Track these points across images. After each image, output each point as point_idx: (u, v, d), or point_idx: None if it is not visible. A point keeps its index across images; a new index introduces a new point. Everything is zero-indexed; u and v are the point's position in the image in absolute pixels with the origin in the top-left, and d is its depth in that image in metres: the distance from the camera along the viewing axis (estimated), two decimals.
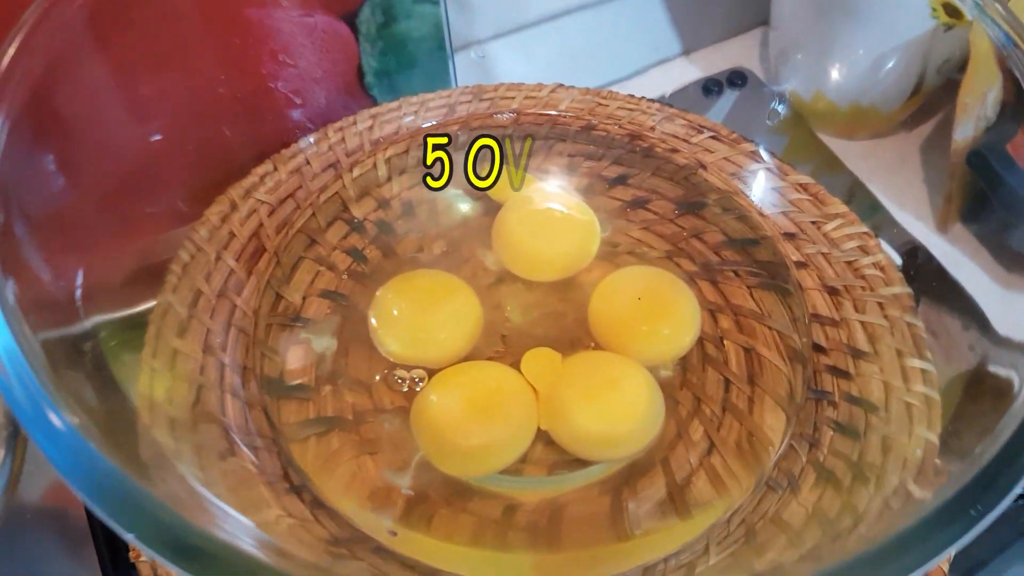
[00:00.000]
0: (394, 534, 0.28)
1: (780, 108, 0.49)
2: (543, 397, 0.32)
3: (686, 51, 0.54)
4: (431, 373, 0.33)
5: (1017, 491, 0.18)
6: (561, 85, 0.44)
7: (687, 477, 0.31)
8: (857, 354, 0.34)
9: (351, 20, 0.41)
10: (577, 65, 0.49)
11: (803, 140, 0.50)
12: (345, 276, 0.36)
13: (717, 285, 0.37)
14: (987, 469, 0.18)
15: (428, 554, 0.27)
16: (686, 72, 0.53)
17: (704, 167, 0.39)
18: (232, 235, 0.37)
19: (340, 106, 0.43)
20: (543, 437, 0.31)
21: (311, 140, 0.41)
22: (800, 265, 0.37)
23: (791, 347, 0.34)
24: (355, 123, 0.41)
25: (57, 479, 0.18)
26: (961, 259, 0.43)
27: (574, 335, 0.35)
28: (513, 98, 0.43)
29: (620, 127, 0.41)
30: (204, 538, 0.17)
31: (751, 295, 0.36)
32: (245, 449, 0.30)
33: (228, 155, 0.40)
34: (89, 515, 0.34)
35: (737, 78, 0.52)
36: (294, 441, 0.31)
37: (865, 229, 0.38)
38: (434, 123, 0.41)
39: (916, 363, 0.33)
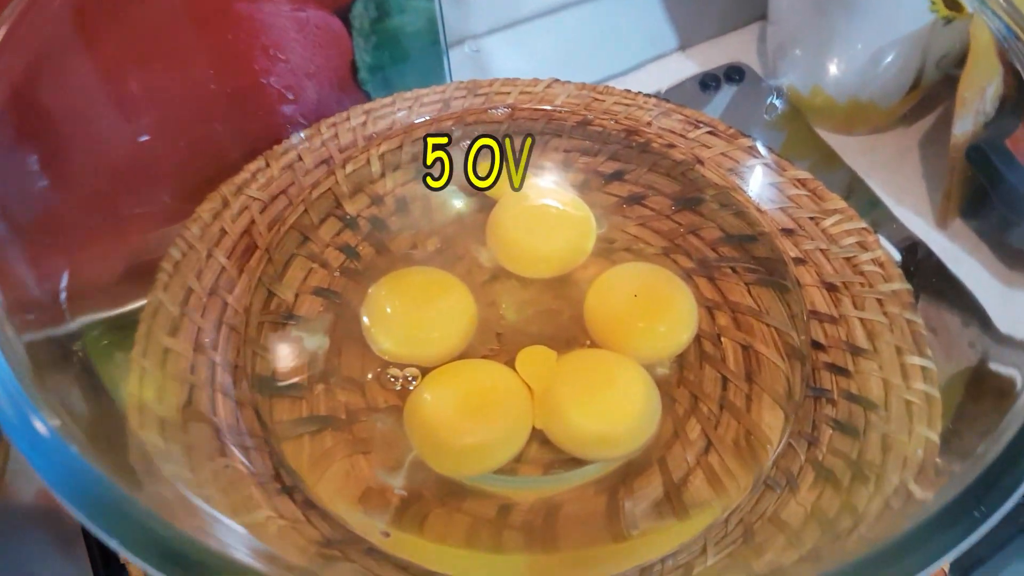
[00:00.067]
0: (387, 535, 0.28)
1: (778, 103, 0.49)
2: (538, 396, 0.31)
3: (683, 46, 0.54)
4: (424, 372, 0.32)
5: (1021, 492, 0.17)
6: (557, 80, 0.43)
7: (684, 476, 0.30)
8: (856, 351, 0.33)
9: (344, 15, 0.41)
10: (573, 60, 0.49)
11: (801, 135, 0.49)
12: (338, 273, 0.36)
13: (714, 282, 0.36)
14: (990, 470, 0.18)
15: (421, 555, 0.27)
16: (683, 67, 0.52)
17: (701, 163, 0.39)
18: (223, 232, 0.36)
19: (333, 101, 0.42)
20: (538, 436, 0.31)
21: (304, 136, 0.40)
22: (798, 261, 0.36)
23: (789, 344, 0.34)
24: (348, 119, 0.41)
25: None
26: (961, 255, 0.42)
27: (570, 333, 0.34)
28: (508, 93, 0.43)
29: (616, 122, 0.41)
30: (190, 544, 0.17)
31: (749, 292, 0.36)
32: (236, 449, 0.29)
33: (220, 152, 0.39)
34: None
35: (735, 73, 0.51)
36: (286, 440, 0.30)
37: (864, 225, 0.37)
38: (428, 119, 0.41)
39: (916, 360, 0.32)
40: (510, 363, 0.33)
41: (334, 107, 0.42)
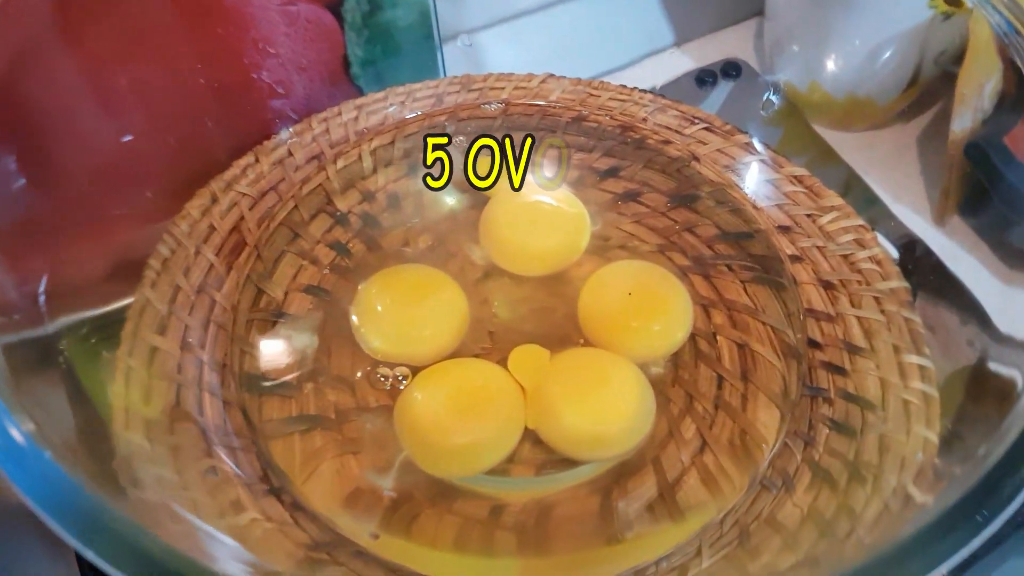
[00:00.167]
0: (376, 537, 0.27)
1: (775, 99, 0.48)
2: (531, 395, 0.31)
3: (679, 41, 0.53)
4: (415, 371, 0.32)
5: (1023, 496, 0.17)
6: (552, 75, 0.43)
7: (679, 477, 0.30)
8: (853, 350, 0.33)
9: (336, 9, 0.40)
10: (568, 55, 0.48)
11: (798, 132, 0.49)
12: (328, 271, 0.35)
13: (710, 280, 0.36)
14: (992, 473, 0.18)
15: (411, 558, 0.27)
16: (679, 63, 0.52)
17: (697, 159, 0.39)
18: (212, 229, 0.36)
19: (324, 96, 0.42)
20: (531, 436, 0.31)
21: (294, 131, 0.40)
22: (795, 259, 0.36)
23: (785, 343, 0.33)
24: (340, 114, 0.41)
25: None
26: (959, 253, 0.42)
27: (563, 331, 0.34)
28: (502, 88, 0.42)
29: (612, 118, 0.40)
30: (169, 556, 0.16)
31: (745, 290, 0.35)
32: (223, 450, 0.29)
33: (209, 148, 0.39)
34: None
35: (731, 69, 0.51)
36: (274, 440, 0.30)
37: (861, 222, 0.37)
38: (421, 114, 0.40)
39: (914, 359, 0.32)
40: (502, 362, 0.32)
41: (325, 102, 0.41)
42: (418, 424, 0.30)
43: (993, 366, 0.27)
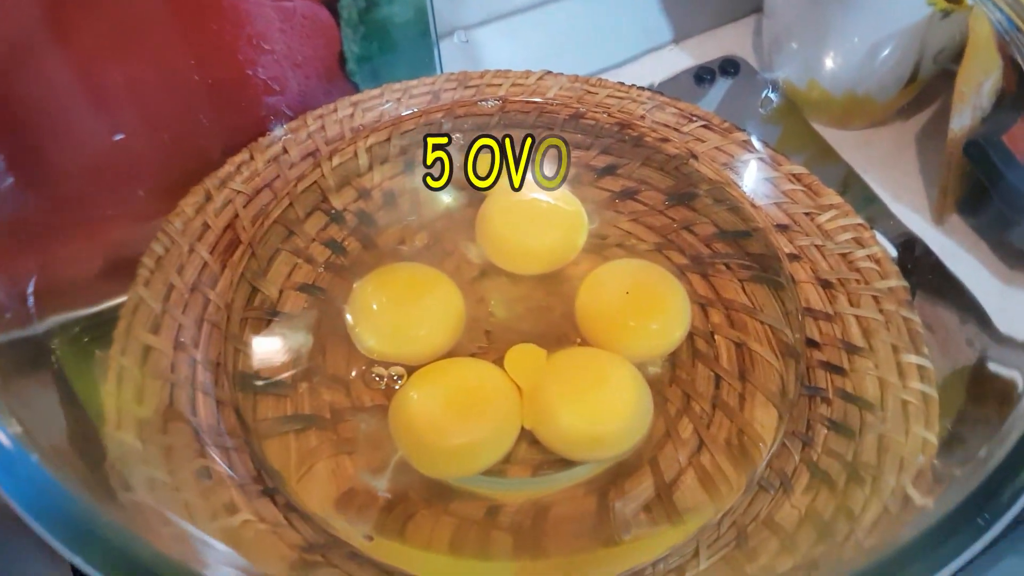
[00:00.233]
0: (370, 539, 0.27)
1: (773, 97, 0.48)
2: (527, 395, 0.31)
3: (678, 38, 0.53)
4: (410, 370, 0.32)
5: None
6: (549, 72, 0.43)
7: (676, 477, 0.30)
8: (852, 349, 0.33)
9: (332, 4, 0.40)
10: (566, 52, 0.48)
11: (797, 130, 0.49)
12: (323, 269, 0.35)
13: (708, 278, 0.36)
14: (993, 475, 0.17)
15: (406, 560, 0.26)
16: (678, 60, 0.52)
17: (695, 157, 0.38)
18: (206, 226, 0.35)
19: (320, 93, 0.42)
20: (527, 437, 0.30)
21: (289, 128, 0.39)
22: (793, 258, 0.36)
23: (783, 342, 0.33)
24: (335, 110, 0.40)
25: None
26: (958, 251, 0.42)
27: (560, 331, 0.34)
28: (499, 85, 0.42)
29: (609, 115, 0.40)
30: (159, 562, 0.16)
31: (743, 289, 0.35)
32: (216, 451, 0.28)
33: (203, 145, 0.39)
34: None
35: (730, 66, 0.51)
36: (268, 439, 0.30)
37: (860, 221, 0.37)
38: (417, 111, 0.40)
39: (912, 359, 0.32)
40: (499, 362, 0.32)
41: (321, 99, 0.41)
42: (413, 424, 0.29)
43: (993, 367, 0.27)
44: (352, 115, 0.40)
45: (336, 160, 0.38)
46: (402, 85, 0.42)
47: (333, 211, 0.37)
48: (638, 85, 0.43)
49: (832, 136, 0.48)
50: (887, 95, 0.47)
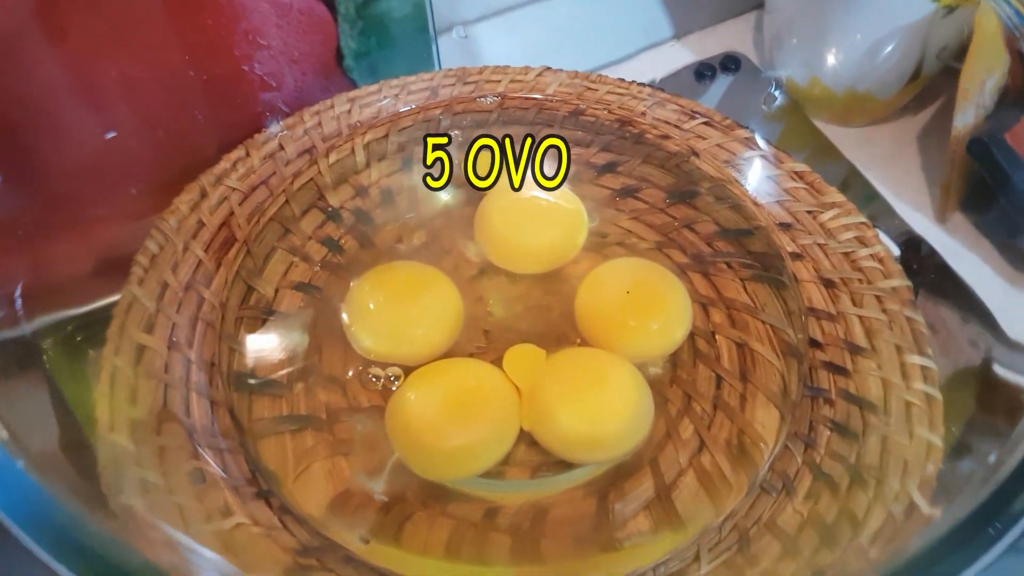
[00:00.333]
0: (366, 541, 0.27)
1: (777, 94, 0.48)
2: (526, 396, 0.30)
3: (678, 34, 0.53)
4: (408, 371, 0.31)
5: None
6: (548, 68, 0.42)
7: (677, 479, 0.30)
8: (855, 350, 0.32)
9: (329, 0, 0.39)
10: (565, 48, 0.48)
11: (798, 127, 0.49)
12: (320, 267, 0.35)
13: (709, 277, 0.35)
14: (1006, 484, 0.17)
15: (403, 564, 0.26)
16: (678, 56, 0.51)
17: (696, 154, 0.38)
18: (201, 224, 0.35)
19: (317, 89, 0.41)
20: (526, 438, 0.30)
21: (285, 124, 0.39)
22: (795, 256, 0.35)
23: (785, 342, 0.33)
24: (332, 107, 0.40)
25: None
26: (960, 250, 0.42)
27: (559, 330, 0.33)
28: (498, 82, 0.41)
29: (609, 112, 0.40)
30: (148, 571, 0.15)
31: (744, 288, 0.35)
32: (210, 452, 0.28)
33: (198, 142, 0.38)
34: None
35: (731, 63, 0.50)
36: (263, 440, 0.29)
37: (863, 219, 0.36)
38: (415, 107, 0.39)
39: (916, 360, 0.31)
40: (497, 362, 0.31)
41: (318, 95, 0.41)
42: (410, 426, 0.29)
43: (999, 370, 0.26)
44: (349, 111, 0.40)
45: (333, 157, 0.37)
46: (400, 81, 0.41)
47: (330, 209, 0.36)
48: (638, 81, 0.42)
49: (833, 133, 0.48)
50: (889, 92, 0.46)
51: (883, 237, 0.36)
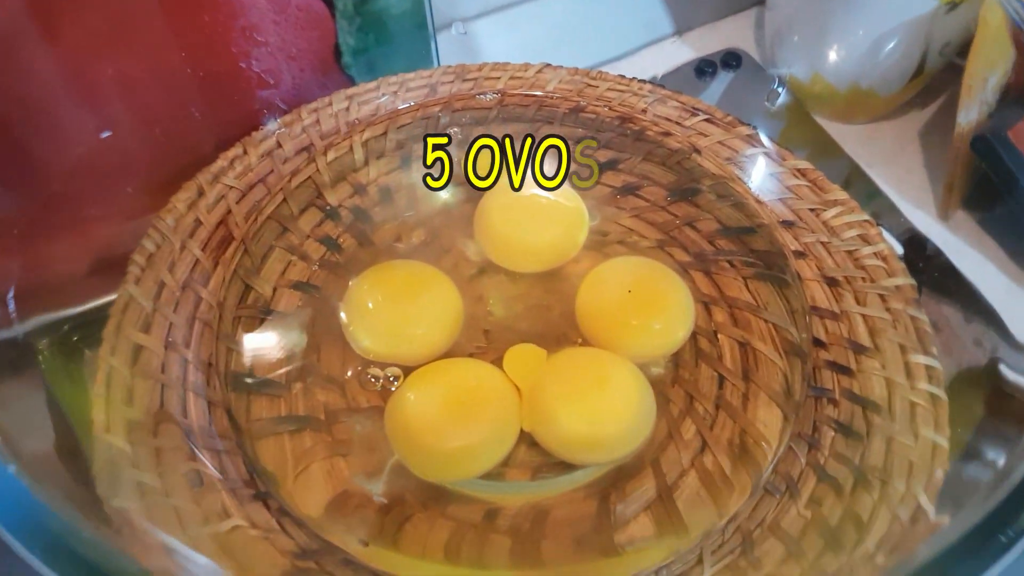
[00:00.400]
0: (365, 544, 0.26)
1: (781, 91, 0.48)
2: (527, 396, 0.30)
3: (679, 31, 0.53)
4: (407, 371, 0.31)
5: None
6: (548, 65, 0.42)
7: (679, 480, 0.29)
8: (859, 349, 0.32)
9: None
10: (565, 44, 0.48)
11: (799, 123, 0.48)
12: (318, 266, 0.34)
13: (711, 276, 0.35)
14: (1018, 490, 0.17)
15: (402, 567, 0.26)
16: (679, 52, 0.51)
17: (698, 151, 0.38)
18: (198, 223, 0.35)
19: (315, 86, 0.41)
20: (526, 439, 0.30)
21: (283, 122, 0.38)
22: (798, 255, 0.35)
23: (788, 341, 0.32)
24: (330, 104, 0.39)
25: None
26: (963, 248, 0.41)
27: (560, 330, 0.33)
28: (498, 78, 0.41)
29: (610, 109, 0.39)
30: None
31: (747, 286, 0.35)
32: (207, 453, 0.28)
33: (195, 140, 0.38)
34: None
35: (732, 59, 0.50)
36: (260, 440, 0.29)
37: (866, 217, 0.36)
38: (414, 104, 0.39)
39: (921, 359, 0.31)
40: (497, 362, 0.31)
41: (316, 92, 0.40)
42: (410, 427, 0.29)
43: (1006, 371, 0.26)
44: (347, 109, 0.39)
45: (331, 155, 0.37)
46: (399, 78, 0.41)
47: (328, 207, 0.36)
48: (639, 78, 0.42)
49: (835, 130, 0.48)
50: (892, 89, 0.46)
51: (886, 235, 0.36)
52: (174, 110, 0.37)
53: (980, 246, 0.41)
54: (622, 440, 0.29)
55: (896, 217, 0.43)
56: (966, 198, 0.43)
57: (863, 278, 0.34)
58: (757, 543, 0.26)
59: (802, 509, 0.27)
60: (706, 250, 0.36)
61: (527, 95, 0.40)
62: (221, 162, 0.37)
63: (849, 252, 0.35)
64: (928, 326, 0.32)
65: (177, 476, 0.27)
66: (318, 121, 0.39)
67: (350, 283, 0.33)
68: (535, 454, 0.30)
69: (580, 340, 0.33)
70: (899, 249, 0.35)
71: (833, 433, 0.30)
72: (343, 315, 0.32)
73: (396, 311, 0.32)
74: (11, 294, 0.26)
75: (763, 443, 0.30)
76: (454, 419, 0.29)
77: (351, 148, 0.37)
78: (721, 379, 0.32)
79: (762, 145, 0.39)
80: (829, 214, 0.36)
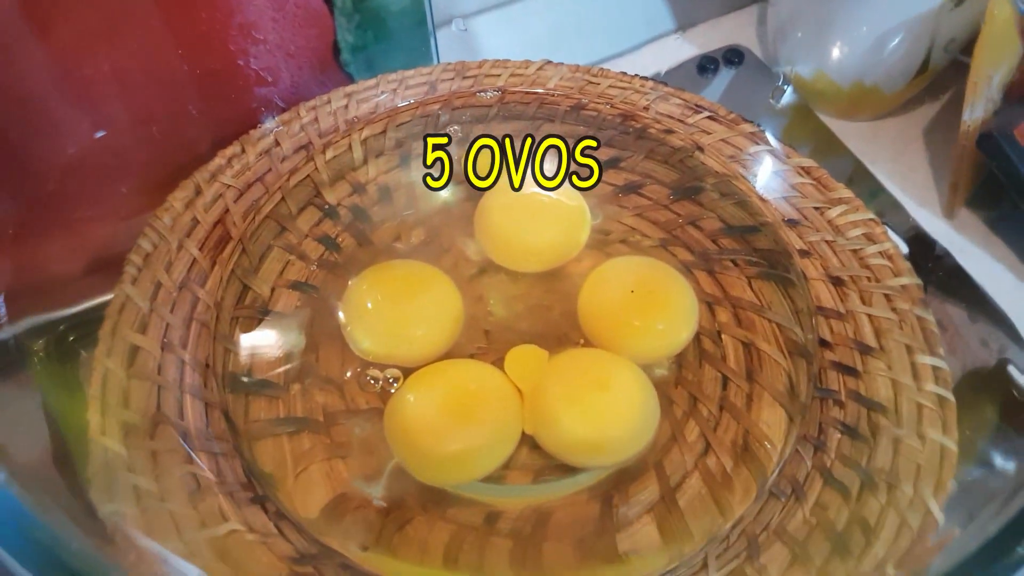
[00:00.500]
0: (365, 548, 0.26)
1: (786, 88, 0.47)
2: (528, 398, 0.30)
3: (681, 27, 0.52)
4: (407, 372, 0.31)
5: None
6: (549, 62, 0.41)
7: (682, 483, 0.29)
8: (864, 350, 0.31)
9: None
10: (566, 41, 0.47)
11: (803, 121, 0.48)
12: (316, 266, 0.34)
13: (715, 276, 0.35)
14: None
15: (401, 572, 0.25)
16: (681, 49, 0.51)
17: (701, 149, 0.37)
18: (195, 222, 0.34)
19: (313, 84, 0.41)
20: (528, 441, 0.29)
21: (281, 120, 0.38)
22: (803, 254, 0.34)
23: (793, 341, 0.32)
24: (329, 102, 0.39)
25: None
26: (968, 247, 0.41)
27: (562, 331, 0.33)
28: (498, 76, 0.41)
29: (612, 106, 0.39)
30: None
31: (750, 286, 0.34)
32: (204, 456, 0.27)
33: (193, 138, 0.38)
34: None
35: (734, 56, 0.50)
36: (258, 442, 0.29)
37: (871, 216, 0.36)
38: (413, 102, 0.38)
39: (927, 360, 0.30)
40: (498, 363, 0.31)
41: (314, 90, 0.40)
42: (410, 429, 0.28)
43: (1015, 373, 0.26)
44: (346, 107, 0.39)
45: (330, 153, 0.37)
46: (398, 75, 0.40)
47: (327, 206, 0.36)
48: (641, 75, 0.42)
49: (838, 127, 0.47)
50: (896, 86, 0.46)
51: (891, 234, 0.35)
52: (171, 108, 0.37)
53: (986, 244, 0.41)
54: (625, 443, 0.29)
55: (900, 215, 0.43)
56: (971, 196, 0.43)
57: (868, 277, 0.34)
58: (763, 548, 0.26)
59: (808, 513, 0.27)
60: (709, 249, 0.35)
61: (528, 92, 0.39)
62: (218, 160, 0.36)
63: (854, 251, 0.35)
64: (935, 326, 0.31)
65: (173, 479, 0.26)
66: (316, 119, 0.38)
67: (349, 283, 0.32)
68: (537, 457, 0.29)
69: (582, 341, 0.32)
70: (904, 248, 0.35)
71: (839, 435, 0.29)
72: (342, 315, 0.31)
73: (395, 311, 0.31)
74: (1, 296, 0.25)
75: (768, 445, 0.29)
76: (454, 421, 0.28)
77: (350, 146, 0.37)
78: (725, 380, 0.32)
79: (765, 143, 0.38)
80: (834, 212, 0.36)
